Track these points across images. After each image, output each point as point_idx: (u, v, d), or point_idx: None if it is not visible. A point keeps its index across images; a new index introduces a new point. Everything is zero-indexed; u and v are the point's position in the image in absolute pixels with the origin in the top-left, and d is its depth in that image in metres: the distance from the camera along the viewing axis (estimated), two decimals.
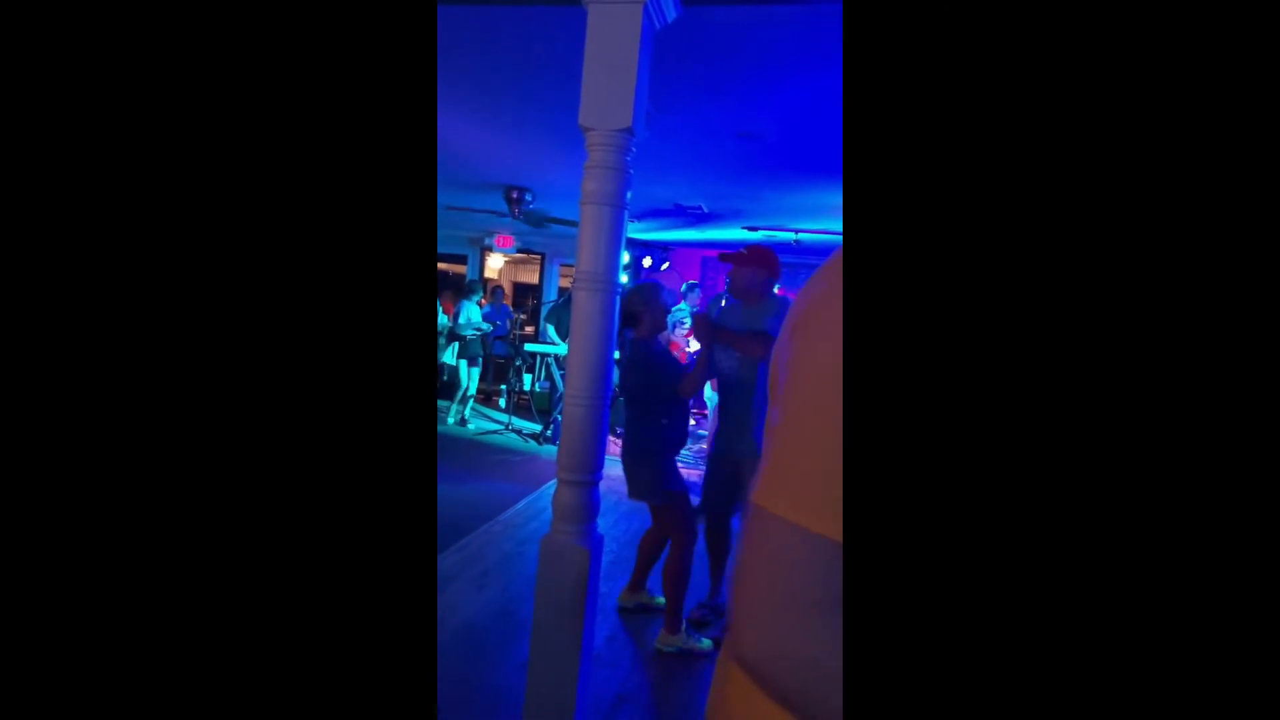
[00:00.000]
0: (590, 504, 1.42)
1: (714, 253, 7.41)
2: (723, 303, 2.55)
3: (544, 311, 6.69)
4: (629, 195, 1.39)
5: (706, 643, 2.32)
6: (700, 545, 2.41)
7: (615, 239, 1.37)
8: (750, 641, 0.44)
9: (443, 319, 6.33)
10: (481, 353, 6.03)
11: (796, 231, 5.60)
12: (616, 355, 1.75)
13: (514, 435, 5.78)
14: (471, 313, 6.05)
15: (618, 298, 1.42)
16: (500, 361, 7.12)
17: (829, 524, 0.42)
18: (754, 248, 2.39)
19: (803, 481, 0.43)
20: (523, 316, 7.40)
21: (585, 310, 1.38)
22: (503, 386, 6.96)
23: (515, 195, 4.82)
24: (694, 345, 5.67)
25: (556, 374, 6.10)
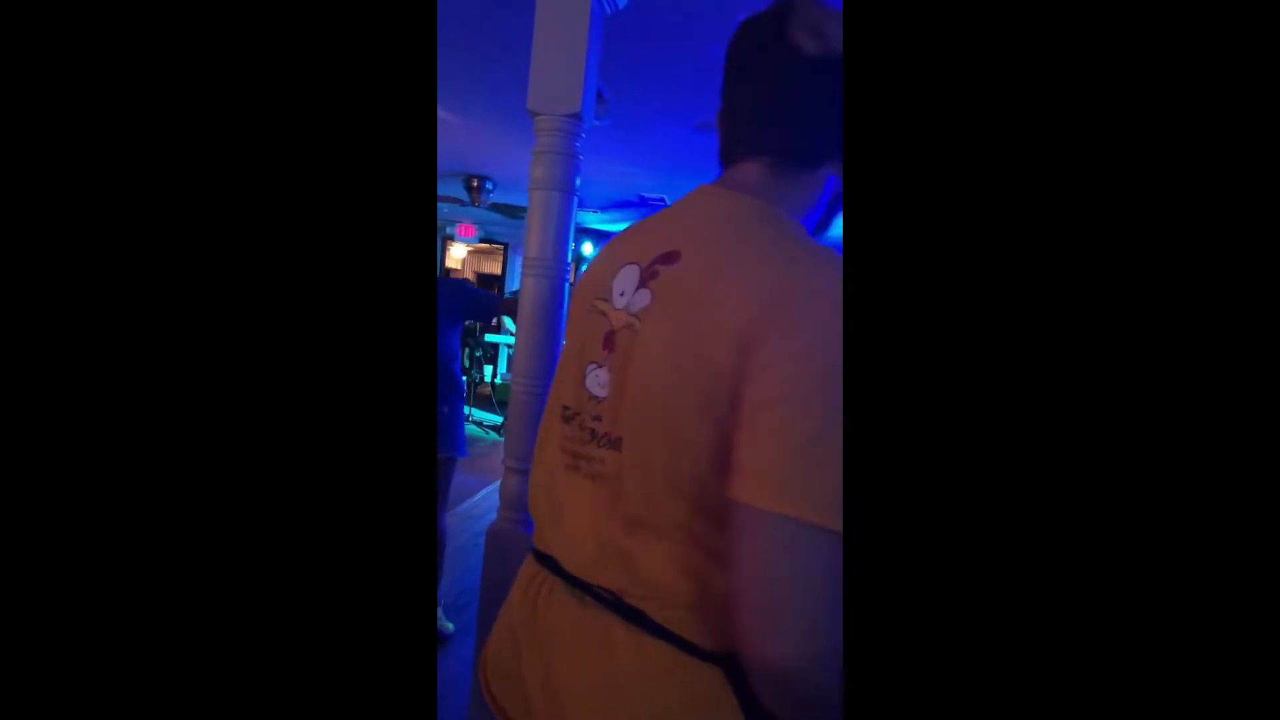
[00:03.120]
0: None
1: None
2: None
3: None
4: (579, 181, 1.38)
5: (449, 625, 2.32)
6: None
7: (564, 225, 1.35)
8: (791, 649, 0.45)
9: None
10: None
11: None
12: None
13: (474, 426, 5.72)
14: None
15: (567, 285, 1.41)
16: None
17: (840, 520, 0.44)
18: None
19: (825, 485, 0.44)
20: None
21: (534, 297, 1.37)
22: (463, 378, 6.89)
23: (476, 184, 4.75)
24: None
25: None
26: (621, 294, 0.58)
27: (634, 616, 0.54)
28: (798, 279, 0.49)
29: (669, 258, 0.56)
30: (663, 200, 5.02)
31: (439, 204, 5.83)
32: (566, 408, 0.61)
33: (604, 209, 5.79)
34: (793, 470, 0.45)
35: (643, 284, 0.57)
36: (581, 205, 5.83)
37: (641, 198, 5.05)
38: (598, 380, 0.58)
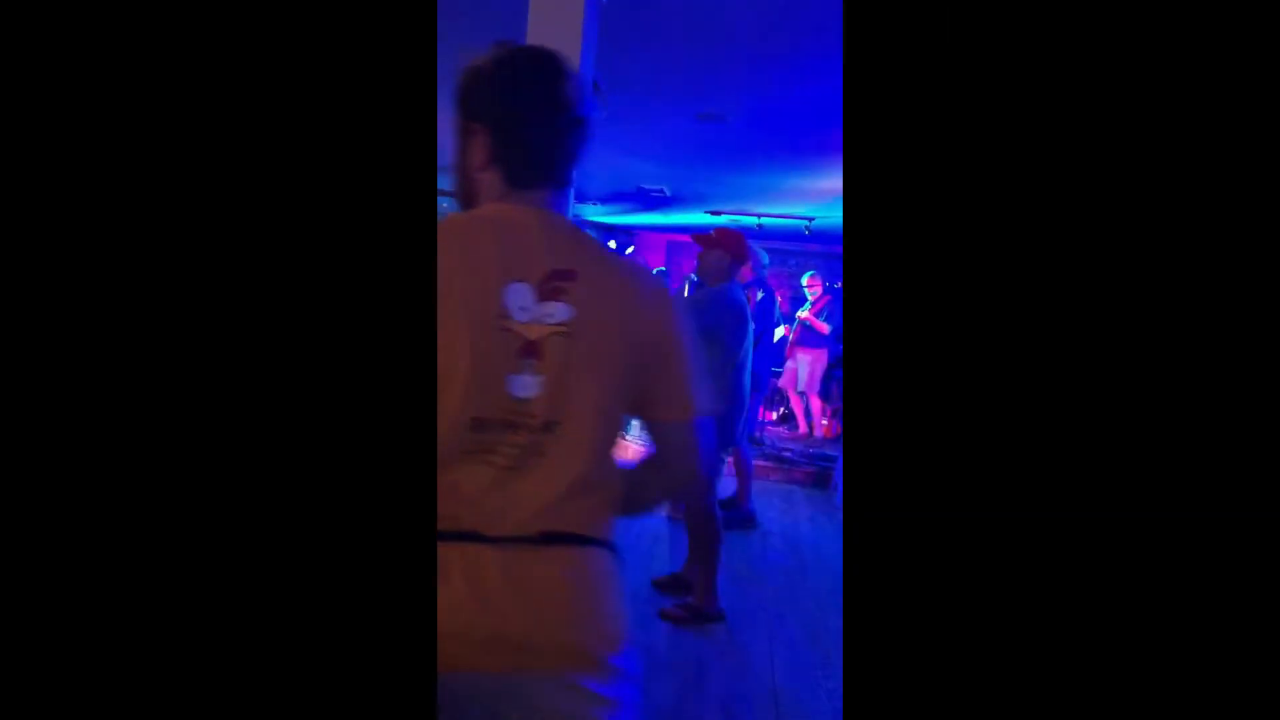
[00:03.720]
0: None
1: (679, 237, 7.41)
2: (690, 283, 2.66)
3: None
4: (575, 174, 1.37)
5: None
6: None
7: None
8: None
9: None
10: None
11: (759, 216, 5.63)
12: None
13: None
14: None
15: None
16: None
17: None
18: (721, 230, 2.46)
19: (703, 394, 0.82)
20: None
21: None
22: None
23: None
24: None
25: None
26: (523, 309, 0.70)
27: (578, 539, 0.75)
28: (659, 284, 0.82)
29: (565, 275, 0.72)
30: (662, 191, 5.00)
31: (439, 199, 5.81)
32: (479, 419, 0.71)
33: (604, 201, 5.78)
34: (692, 395, 0.80)
35: (550, 298, 0.71)
36: (581, 198, 5.82)
37: (641, 190, 5.03)
38: (524, 385, 0.71)
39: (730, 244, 2.34)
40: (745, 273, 3.20)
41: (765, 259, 3.39)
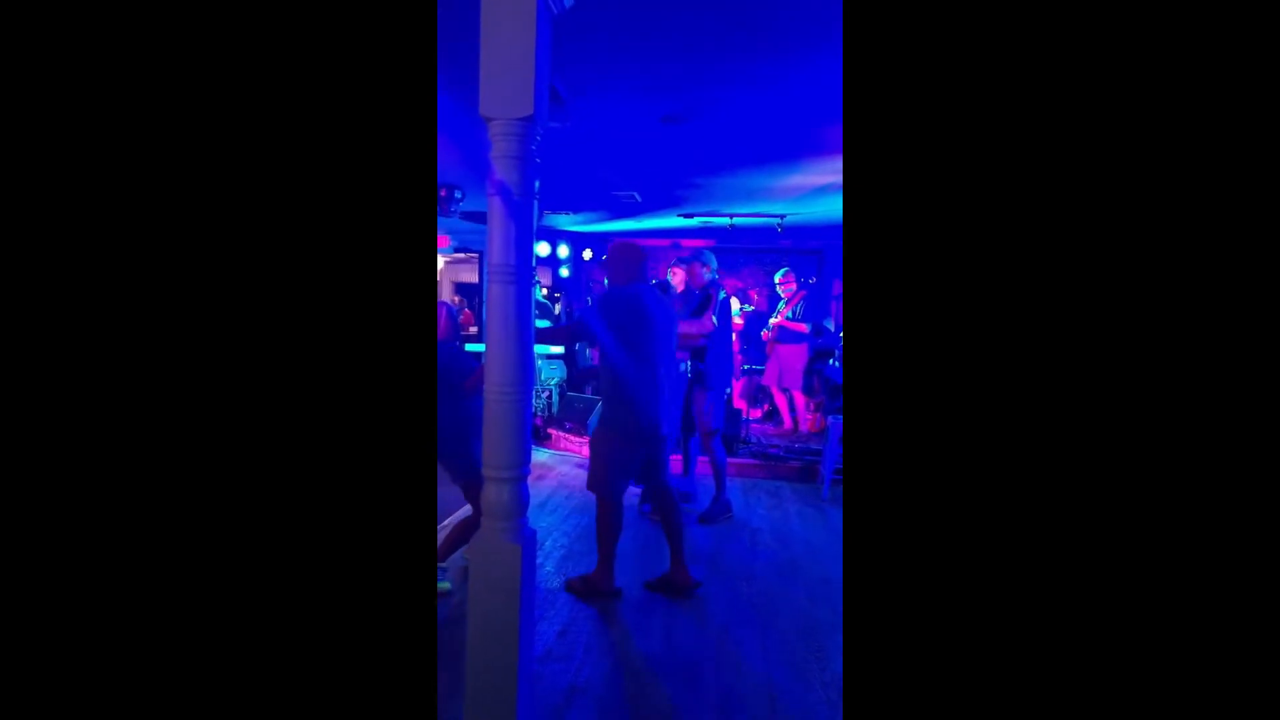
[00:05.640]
0: (519, 499, 1.41)
1: (654, 242, 7.42)
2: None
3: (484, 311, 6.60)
4: (537, 184, 1.37)
5: (445, 585, 2.63)
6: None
7: (525, 229, 1.35)
8: None
9: None
10: None
11: (731, 216, 5.66)
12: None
13: None
14: None
15: (533, 289, 1.40)
16: None
17: None
18: (614, 246, 2.77)
19: None
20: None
21: (500, 303, 1.36)
22: None
23: (444, 193, 4.71)
24: None
25: None
26: None
27: None
28: None
29: None
30: (633, 197, 5.01)
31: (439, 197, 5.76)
32: None
33: (576, 210, 5.78)
34: None
35: None
36: (554, 208, 5.80)
37: (612, 196, 5.04)
38: None
39: (622, 255, 2.68)
40: (699, 275, 3.44)
41: (713, 262, 3.49)
